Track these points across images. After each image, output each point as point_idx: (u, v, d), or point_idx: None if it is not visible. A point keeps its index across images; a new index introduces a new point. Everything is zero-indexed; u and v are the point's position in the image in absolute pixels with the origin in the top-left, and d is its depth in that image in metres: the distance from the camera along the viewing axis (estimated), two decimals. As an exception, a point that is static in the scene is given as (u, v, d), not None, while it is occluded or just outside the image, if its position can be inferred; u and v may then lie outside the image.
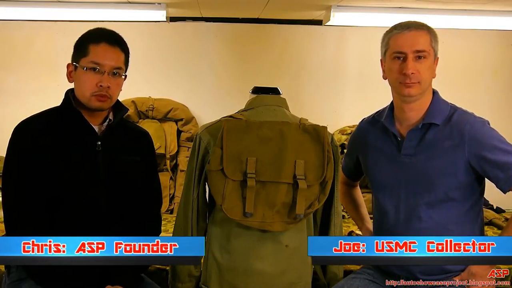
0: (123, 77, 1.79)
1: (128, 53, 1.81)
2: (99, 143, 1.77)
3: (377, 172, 1.91)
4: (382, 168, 1.88)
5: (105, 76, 1.73)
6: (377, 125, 1.93)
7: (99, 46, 1.74)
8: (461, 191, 1.79)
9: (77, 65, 1.75)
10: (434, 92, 1.84)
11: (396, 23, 1.84)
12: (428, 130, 1.80)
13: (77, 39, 1.80)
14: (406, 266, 1.82)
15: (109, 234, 1.72)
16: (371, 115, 2.00)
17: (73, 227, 1.72)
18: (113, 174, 1.79)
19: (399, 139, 1.84)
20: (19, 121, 1.78)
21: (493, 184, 1.81)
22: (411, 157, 1.81)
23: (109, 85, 1.73)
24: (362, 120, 2.04)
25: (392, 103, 1.89)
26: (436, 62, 1.81)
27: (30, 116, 1.79)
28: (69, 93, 1.80)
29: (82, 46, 1.75)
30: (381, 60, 1.86)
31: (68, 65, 1.79)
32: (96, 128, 1.79)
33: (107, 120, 1.82)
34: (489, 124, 1.80)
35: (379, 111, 1.96)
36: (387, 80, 1.85)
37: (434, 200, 1.78)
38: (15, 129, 1.75)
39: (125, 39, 1.82)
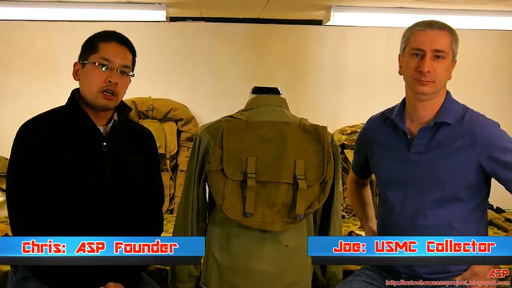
0: (130, 77, 1.82)
1: (135, 55, 1.85)
2: (105, 144, 1.78)
3: (385, 168, 1.91)
4: (390, 165, 1.89)
5: (114, 73, 1.76)
6: (387, 121, 1.93)
7: (109, 44, 1.77)
8: (469, 191, 1.79)
9: (85, 62, 1.77)
10: (447, 93, 1.85)
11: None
12: (439, 129, 1.80)
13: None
14: (410, 265, 1.82)
15: (115, 233, 1.73)
16: (380, 112, 2.00)
17: (80, 227, 1.72)
18: (118, 174, 1.80)
19: (409, 136, 1.84)
20: (19, 121, 1.78)
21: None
22: (420, 155, 1.81)
23: (117, 81, 1.76)
24: (371, 117, 2.04)
25: (403, 100, 1.89)
26: (454, 65, 1.81)
27: (35, 116, 1.79)
28: (75, 93, 1.81)
29: (92, 44, 1.78)
30: (399, 55, 1.86)
31: (75, 64, 1.81)
32: (101, 128, 1.80)
33: (112, 121, 1.83)
34: (499, 126, 1.80)
35: (389, 108, 1.96)
36: (401, 76, 1.85)
37: (441, 199, 1.79)
38: (20, 129, 1.76)
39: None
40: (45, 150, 1.71)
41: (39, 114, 1.80)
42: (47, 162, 1.71)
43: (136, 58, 1.86)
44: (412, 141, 1.83)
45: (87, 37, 1.83)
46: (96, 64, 1.75)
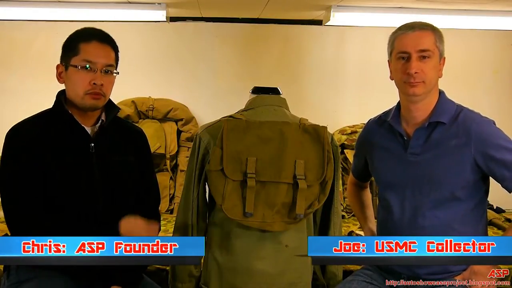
0: (114, 74, 1.78)
1: (118, 51, 1.81)
2: (92, 145, 1.76)
3: (383, 171, 1.92)
4: (388, 167, 1.89)
5: (98, 74, 1.72)
6: (384, 124, 1.94)
7: (90, 45, 1.73)
8: (467, 190, 1.79)
9: (67, 65, 1.74)
10: (440, 92, 1.86)
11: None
12: (434, 129, 1.81)
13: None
14: (409, 266, 1.83)
15: (109, 235, 1.73)
16: (378, 115, 2.01)
17: (71, 230, 1.70)
18: (108, 175, 1.78)
19: (405, 138, 1.85)
20: (18, 121, 1.77)
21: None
22: (417, 156, 1.82)
23: (102, 83, 1.73)
24: (369, 120, 2.05)
25: (399, 103, 1.90)
26: (443, 62, 1.82)
27: (22, 121, 1.77)
28: (60, 95, 1.79)
29: (72, 45, 1.74)
30: (388, 61, 1.87)
31: (57, 66, 1.77)
32: (88, 129, 1.78)
33: (100, 121, 1.81)
34: (494, 124, 1.81)
35: (386, 111, 1.97)
36: (393, 80, 1.86)
37: (440, 199, 1.79)
38: (7, 134, 1.74)
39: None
40: (33, 154, 1.69)
41: (25, 119, 1.78)
42: (36, 166, 1.69)
43: (119, 54, 1.81)
44: (408, 143, 1.84)
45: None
46: (79, 67, 1.71)
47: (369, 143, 1.99)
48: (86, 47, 1.73)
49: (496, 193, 1.89)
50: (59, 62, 1.79)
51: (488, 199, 1.91)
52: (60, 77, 1.77)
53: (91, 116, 1.79)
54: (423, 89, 1.77)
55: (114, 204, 1.79)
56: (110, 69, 1.76)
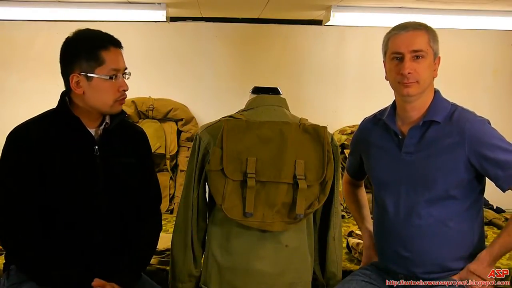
0: (127, 76, 1.80)
1: None
2: (97, 147, 1.77)
3: (378, 170, 1.92)
4: (383, 166, 1.90)
5: (122, 80, 1.75)
6: (379, 123, 1.94)
7: (110, 52, 1.72)
8: (461, 189, 1.79)
9: (91, 75, 1.70)
10: (436, 91, 1.86)
11: (396, 23, 1.86)
12: (428, 128, 1.81)
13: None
14: (406, 265, 1.83)
15: (112, 235, 1.72)
16: (373, 113, 2.01)
17: (77, 230, 1.72)
18: (112, 177, 1.78)
19: (400, 137, 1.86)
20: (19, 121, 1.77)
21: (493, 184, 1.82)
22: (411, 154, 1.82)
23: (127, 87, 1.76)
24: (364, 119, 2.06)
25: (394, 101, 1.90)
26: (438, 62, 1.82)
27: (24, 122, 1.76)
28: (65, 97, 1.77)
29: (91, 54, 1.70)
30: (383, 62, 1.87)
31: (73, 76, 1.71)
32: (92, 131, 1.78)
33: (103, 123, 1.81)
34: (489, 123, 1.81)
35: (381, 109, 1.98)
36: (388, 81, 1.86)
37: (434, 197, 1.79)
38: (9, 136, 1.72)
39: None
40: (36, 157, 1.68)
41: (28, 120, 1.77)
42: (39, 168, 1.68)
43: None
44: (403, 141, 1.84)
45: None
46: (109, 77, 1.71)
47: (364, 141, 1.99)
48: (108, 55, 1.71)
49: (496, 193, 1.89)
50: (59, 62, 1.77)
51: (488, 199, 1.91)
52: (78, 87, 1.71)
53: (97, 118, 1.80)
54: (417, 89, 1.77)
55: (117, 205, 1.79)
56: (127, 72, 1.78)
